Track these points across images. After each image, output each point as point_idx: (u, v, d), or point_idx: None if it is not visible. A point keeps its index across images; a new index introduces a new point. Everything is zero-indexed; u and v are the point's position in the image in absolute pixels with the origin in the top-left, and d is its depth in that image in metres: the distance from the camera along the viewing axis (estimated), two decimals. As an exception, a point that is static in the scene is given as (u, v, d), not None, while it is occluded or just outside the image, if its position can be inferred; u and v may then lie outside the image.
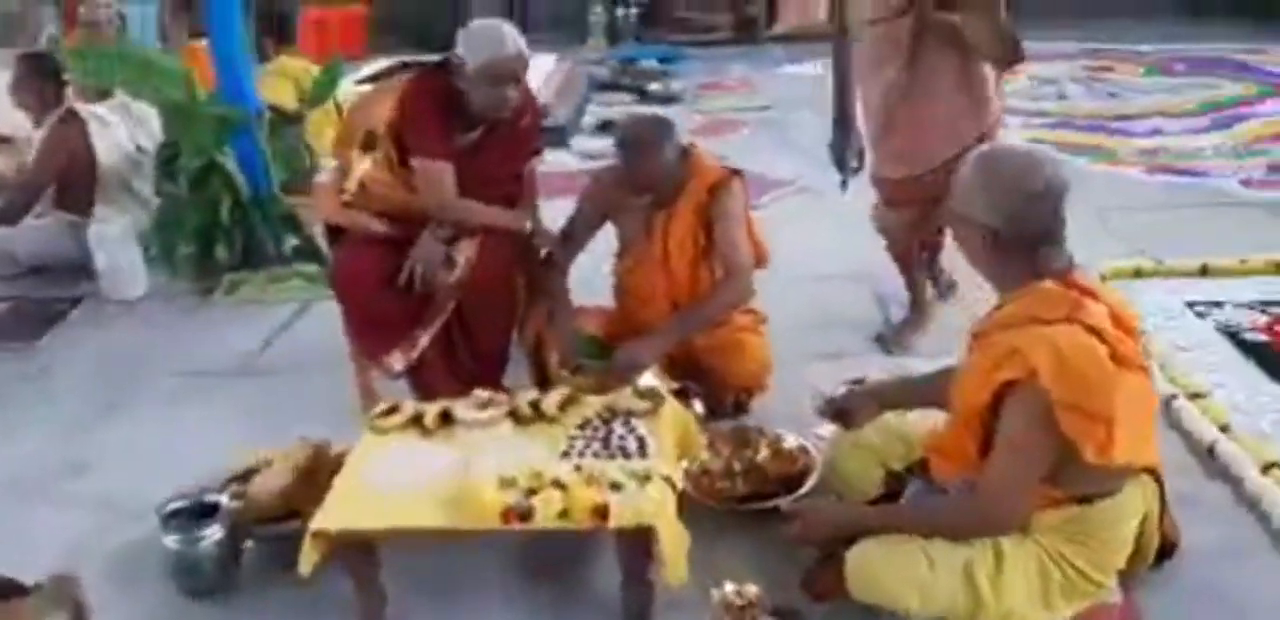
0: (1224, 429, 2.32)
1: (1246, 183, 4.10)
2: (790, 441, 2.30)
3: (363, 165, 2.73)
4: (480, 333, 2.52)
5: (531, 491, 1.76)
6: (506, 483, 1.78)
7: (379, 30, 8.13)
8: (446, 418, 2.05)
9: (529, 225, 2.47)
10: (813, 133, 5.17)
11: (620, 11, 8.13)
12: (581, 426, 2.01)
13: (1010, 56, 2.58)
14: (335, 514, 1.79)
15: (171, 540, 1.96)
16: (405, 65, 5.70)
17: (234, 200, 3.56)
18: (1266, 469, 2.16)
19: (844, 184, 2.87)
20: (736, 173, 2.42)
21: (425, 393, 2.48)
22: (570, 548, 2.03)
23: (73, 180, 3.70)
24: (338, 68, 3.95)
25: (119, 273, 3.52)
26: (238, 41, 3.55)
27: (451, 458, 1.93)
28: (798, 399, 2.62)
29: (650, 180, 2.33)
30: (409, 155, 2.36)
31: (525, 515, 1.72)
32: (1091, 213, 3.59)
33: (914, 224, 2.79)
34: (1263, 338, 2.75)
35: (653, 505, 1.74)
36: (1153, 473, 1.81)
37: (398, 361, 2.47)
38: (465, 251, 2.42)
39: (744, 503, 2.12)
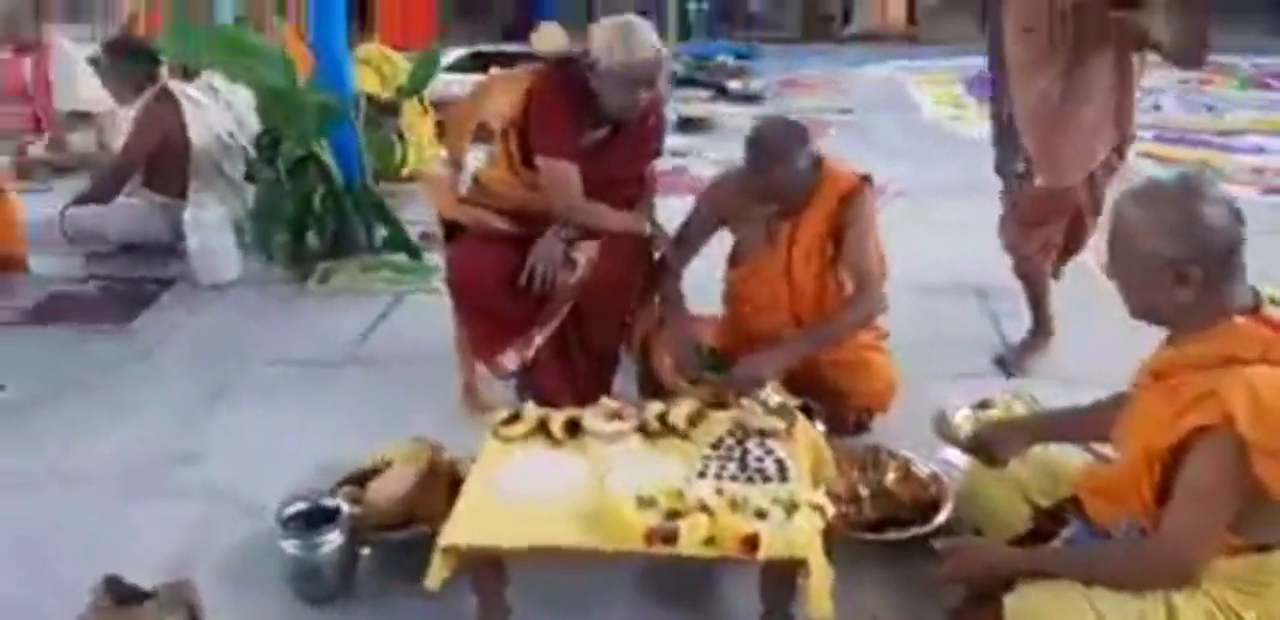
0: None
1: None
2: (920, 466, 2.21)
3: (475, 159, 2.69)
4: (595, 335, 2.46)
5: (674, 513, 1.69)
6: (646, 502, 1.71)
7: (449, 19, 8.08)
8: (573, 427, 1.99)
9: (648, 228, 2.39)
10: (897, 136, 5.10)
11: (692, 5, 8.03)
12: (715, 446, 1.93)
13: (1199, 55, 2.46)
14: (467, 528, 1.73)
15: (291, 545, 1.91)
16: (479, 56, 5.65)
17: (328, 189, 3.53)
18: None
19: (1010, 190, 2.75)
20: (866, 179, 2.33)
21: (535, 394, 2.42)
22: (702, 573, 1.96)
23: (165, 161, 3.68)
24: (436, 57, 3.89)
25: (213, 257, 3.50)
26: (339, 28, 3.50)
27: (583, 471, 1.87)
28: (919, 421, 2.53)
29: (782, 188, 2.24)
30: (533, 153, 2.29)
31: (670, 538, 1.65)
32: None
33: (1050, 241, 2.68)
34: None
35: (803, 537, 1.66)
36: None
37: (511, 361, 2.42)
38: (586, 252, 2.36)
39: (875, 530, 2.04)
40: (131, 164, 3.70)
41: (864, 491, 2.12)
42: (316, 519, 1.95)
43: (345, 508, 1.96)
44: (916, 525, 2.05)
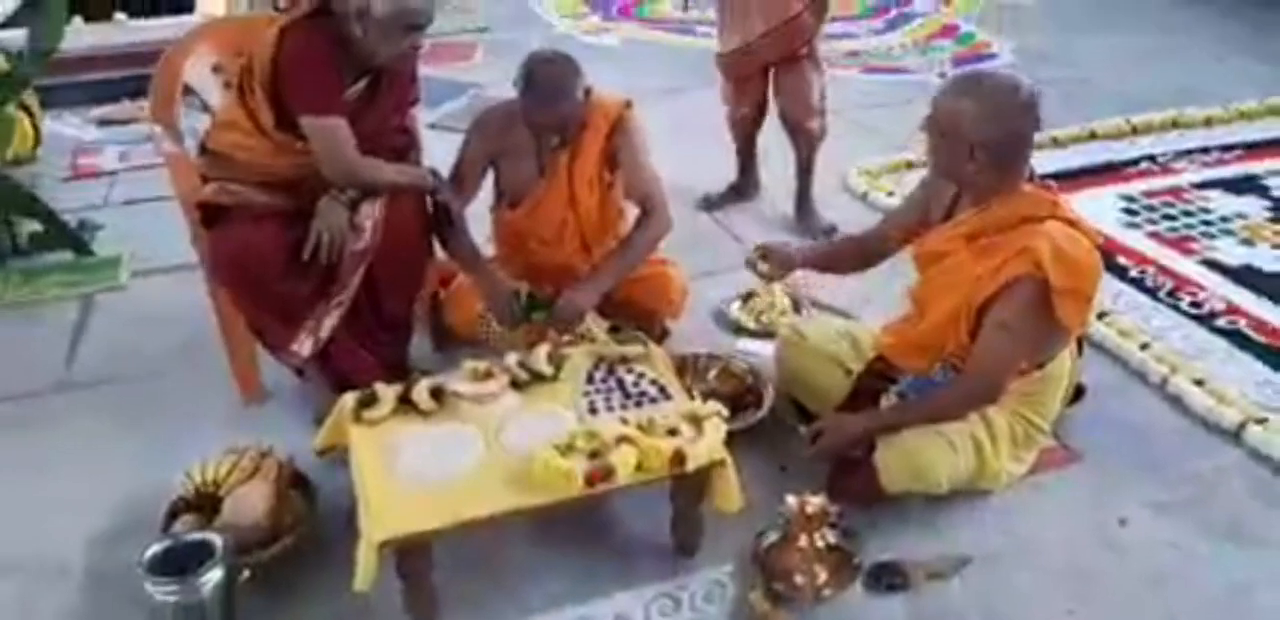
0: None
1: (943, 76, 4.70)
2: (735, 362, 2.42)
3: (196, 126, 2.38)
4: (389, 301, 2.32)
5: (595, 452, 1.74)
6: (565, 449, 1.74)
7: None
8: (438, 396, 1.93)
9: (430, 179, 2.29)
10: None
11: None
12: (589, 381, 1.98)
13: None
14: (392, 520, 1.65)
15: (166, 591, 1.68)
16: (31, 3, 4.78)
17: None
18: (1099, 317, 2.64)
19: None
20: (629, 104, 2.40)
21: (336, 375, 2.28)
22: (594, 514, 2.02)
23: None
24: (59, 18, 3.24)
25: None
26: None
27: (473, 436, 1.84)
28: (703, 320, 2.76)
29: (564, 120, 2.24)
30: (289, 113, 2.08)
31: (609, 474, 1.70)
32: (838, 115, 3.96)
33: (756, 98, 3.20)
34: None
35: (717, 443, 1.79)
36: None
37: (306, 346, 2.23)
38: (370, 215, 2.20)
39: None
40: None
41: (695, 394, 2.29)
42: (180, 557, 1.73)
43: (218, 539, 1.76)
44: (754, 411, 2.26)
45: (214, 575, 1.70)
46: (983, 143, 1.80)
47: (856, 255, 2.28)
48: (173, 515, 1.90)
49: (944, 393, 2.01)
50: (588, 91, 2.28)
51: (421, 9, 2.03)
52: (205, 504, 1.91)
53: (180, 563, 1.72)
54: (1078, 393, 2.26)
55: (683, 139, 3.85)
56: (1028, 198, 1.87)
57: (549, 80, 2.18)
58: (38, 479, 2.19)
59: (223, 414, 2.36)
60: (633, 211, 2.45)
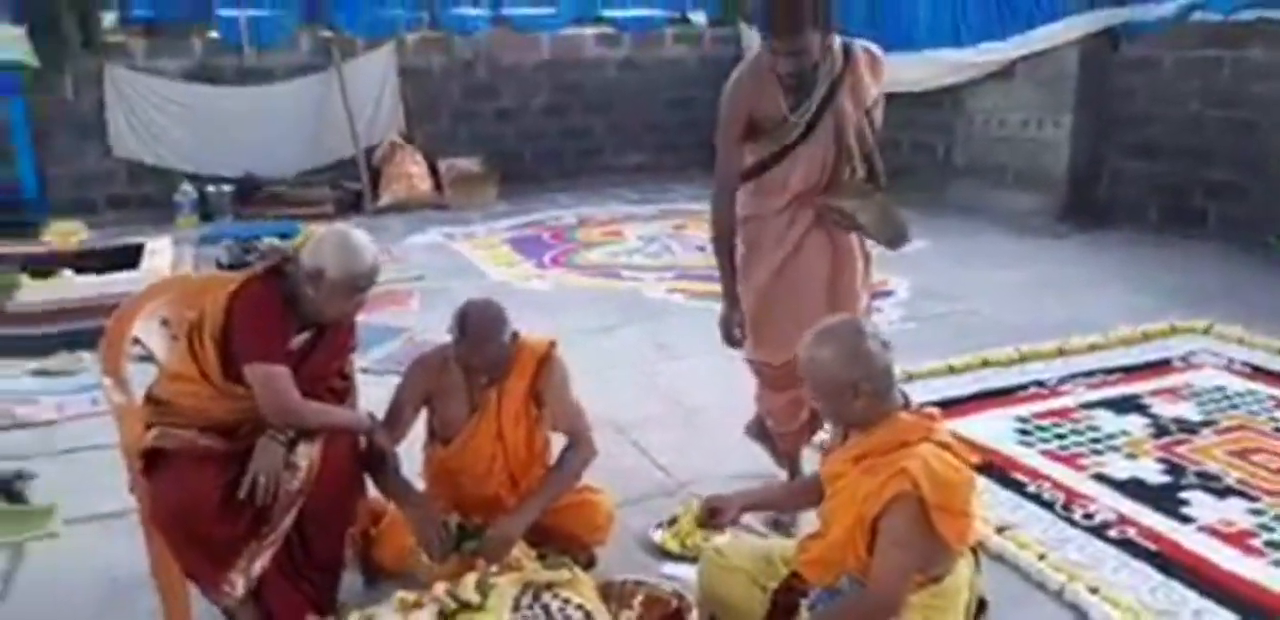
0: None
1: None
2: (659, 587, 2.49)
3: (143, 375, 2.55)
4: (320, 539, 2.40)
5: (522, 680, 1.79)
6: (493, 678, 1.79)
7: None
8: (367, 629, 1.97)
9: (368, 420, 2.46)
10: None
11: (211, 188, 7.88)
12: (516, 608, 2.05)
13: (901, 237, 2.82)
14: None
15: None
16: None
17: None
18: (999, 531, 2.81)
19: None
20: (553, 344, 2.65)
21: (267, 614, 2.31)
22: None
23: None
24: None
25: None
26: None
27: (403, 669, 1.88)
28: (628, 546, 2.85)
29: (492, 360, 2.47)
30: (239, 362, 2.27)
31: (532, 703, 1.74)
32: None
33: (796, 403, 2.89)
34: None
35: (639, 664, 1.85)
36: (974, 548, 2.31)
37: (239, 586, 2.27)
38: (307, 455, 2.34)
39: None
40: None
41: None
42: None
43: None
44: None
45: None
46: (859, 379, 2.06)
47: (799, 494, 2.44)
48: None
49: (848, 604, 2.12)
50: (515, 335, 2.53)
51: (369, 273, 2.31)
52: None
53: None
54: (980, 606, 2.37)
55: (609, 373, 4.12)
56: (904, 423, 2.10)
57: (479, 326, 2.43)
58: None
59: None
60: (558, 446, 2.63)
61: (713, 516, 2.34)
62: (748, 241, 2.83)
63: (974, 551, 2.30)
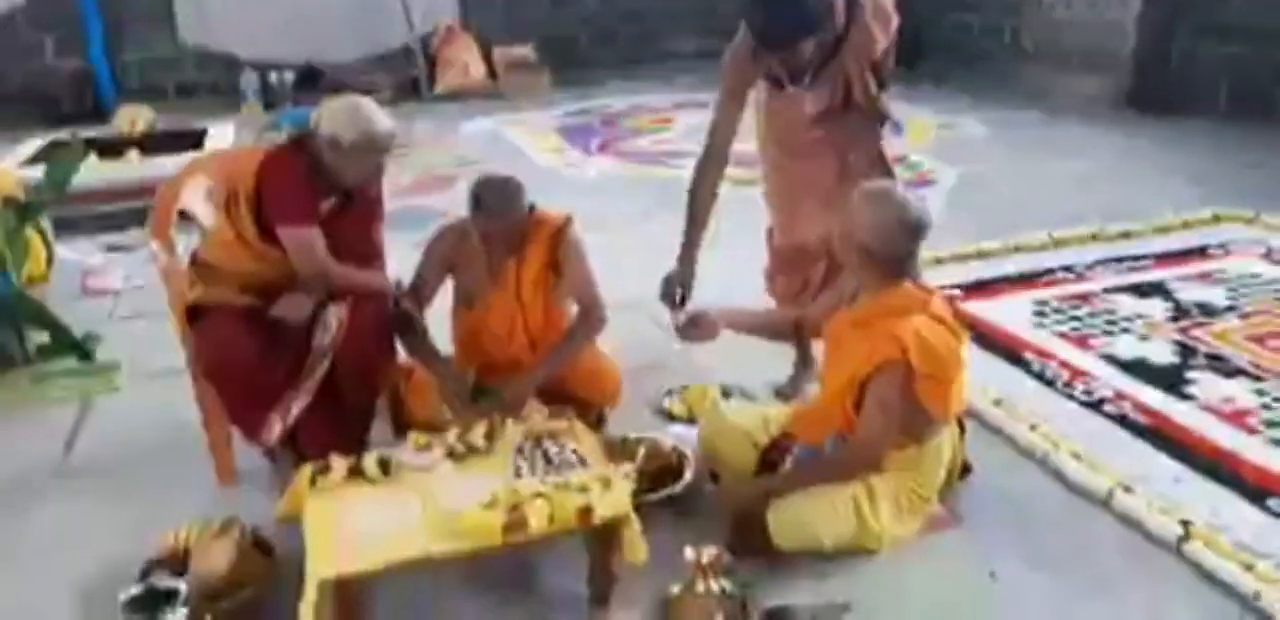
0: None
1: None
2: (661, 443, 2.69)
3: (186, 242, 2.76)
4: (352, 391, 2.63)
5: (514, 507, 2.00)
6: (489, 504, 2.00)
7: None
8: (384, 466, 2.20)
9: (391, 285, 2.65)
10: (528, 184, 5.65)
11: (274, 76, 8.05)
12: (519, 452, 2.26)
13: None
14: (333, 561, 1.90)
15: (136, 629, 1.93)
16: (56, 145, 5.36)
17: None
18: (996, 403, 2.92)
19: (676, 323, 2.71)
20: (569, 219, 2.78)
21: (301, 457, 2.55)
22: (520, 563, 2.27)
23: None
24: (77, 153, 3.73)
25: None
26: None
27: (413, 497, 2.10)
28: (637, 409, 3.04)
29: (511, 231, 2.61)
30: (273, 225, 2.46)
31: (522, 525, 1.96)
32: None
33: (809, 285, 3.01)
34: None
35: (622, 500, 2.05)
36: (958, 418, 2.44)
37: (275, 429, 2.52)
38: (335, 315, 2.54)
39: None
40: None
41: (627, 472, 2.55)
42: (151, 602, 1.98)
43: (182, 585, 2.00)
44: (673, 484, 2.52)
45: (179, 615, 1.95)
46: (864, 247, 2.16)
47: (779, 330, 2.60)
48: (146, 572, 2.14)
49: (831, 458, 2.28)
50: (531, 207, 2.66)
51: (382, 136, 2.44)
52: (176, 563, 2.15)
53: (152, 606, 1.96)
54: (965, 469, 2.51)
55: (643, 256, 4.22)
56: (904, 293, 2.21)
57: (495, 197, 2.56)
58: (32, 547, 2.46)
59: (201, 495, 2.62)
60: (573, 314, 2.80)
61: (694, 325, 2.50)
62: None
63: (959, 420, 2.44)
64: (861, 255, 2.18)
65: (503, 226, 2.58)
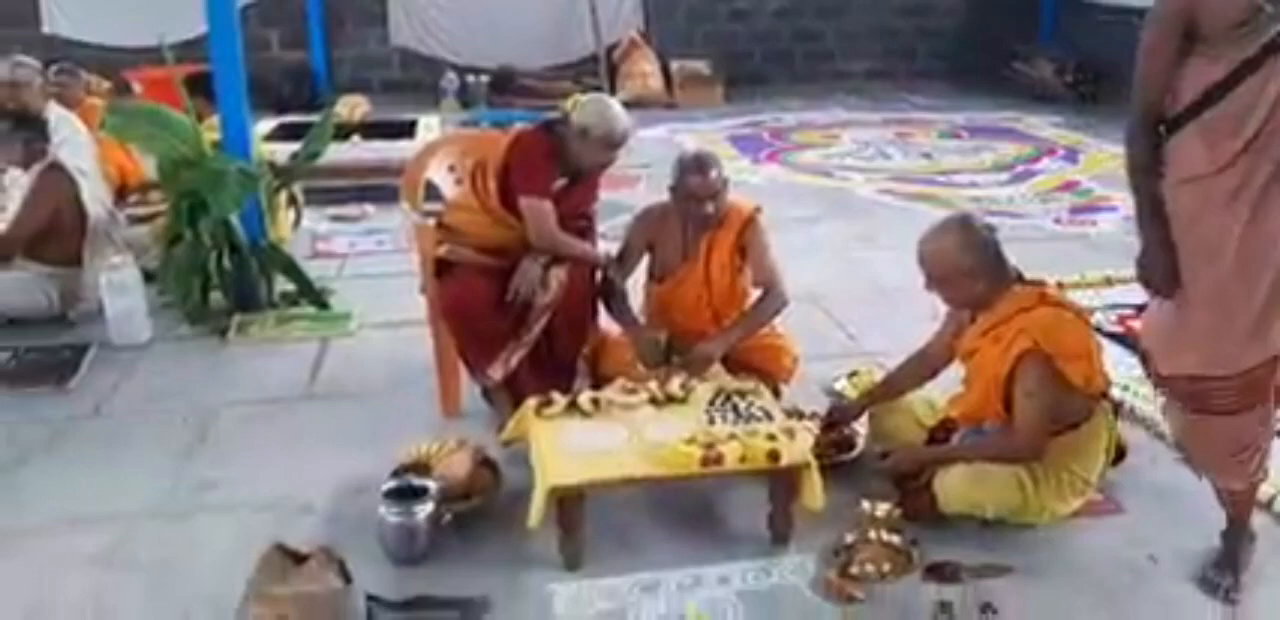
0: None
1: (1058, 221, 5.26)
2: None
3: (431, 208, 3.20)
4: (562, 345, 3.00)
5: (710, 445, 2.30)
6: (690, 441, 2.31)
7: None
8: (596, 403, 2.54)
9: (604, 257, 3.01)
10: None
11: (471, 78, 8.68)
12: (711, 403, 2.56)
13: None
14: (564, 472, 2.25)
15: (393, 513, 2.32)
16: (284, 127, 6.02)
17: (233, 249, 3.82)
18: (1124, 388, 3.05)
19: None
20: (758, 208, 3.07)
21: (517, 398, 2.92)
22: (705, 499, 2.57)
23: (60, 231, 3.79)
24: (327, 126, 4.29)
25: (131, 318, 3.65)
26: (242, 99, 3.84)
27: (623, 429, 2.43)
28: (814, 391, 3.30)
29: (711, 191, 2.88)
30: (514, 195, 2.84)
31: (718, 460, 2.25)
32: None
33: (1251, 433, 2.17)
34: (1119, 329, 3.74)
35: (805, 449, 2.33)
36: (1109, 399, 2.59)
37: (498, 371, 2.91)
38: (557, 276, 2.91)
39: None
40: (22, 236, 3.77)
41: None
42: (405, 495, 2.36)
43: (433, 484, 2.39)
44: (846, 452, 2.77)
45: (427, 507, 2.33)
46: (974, 266, 2.37)
47: (913, 377, 2.79)
48: (395, 476, 2.53)
49: (995, 439, 2.48)
50: (726, 182, 2.96)
51: (623, 134, 2.84)
52: (419, 471, 2.53)
53: (408, 498, 2.35)
54: (1120, 453, 2.66)
55: (812, 256, 4.52)
56: (1019, 294, 2.43)
57: (699, 158, 2.89)
58: (290, 450, 2.91)
59: (428, 424, 3.01)
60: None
61: (832, 426, 2.75)
62: (1175, 214, 2.05)
63: (1113, 404, 2.60)
64: (968, 281, 2.38)
65: (707, 183, 2.85)
